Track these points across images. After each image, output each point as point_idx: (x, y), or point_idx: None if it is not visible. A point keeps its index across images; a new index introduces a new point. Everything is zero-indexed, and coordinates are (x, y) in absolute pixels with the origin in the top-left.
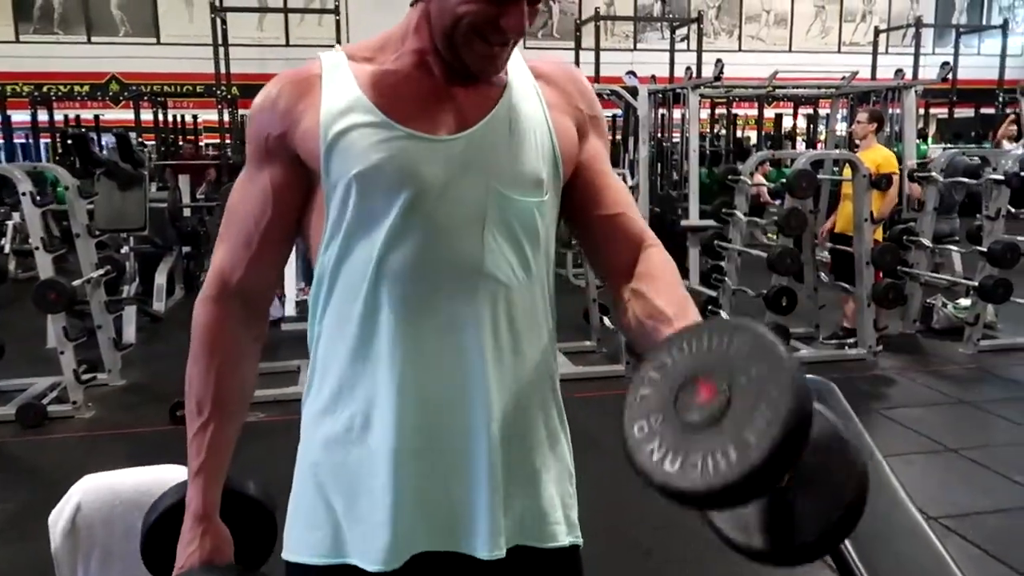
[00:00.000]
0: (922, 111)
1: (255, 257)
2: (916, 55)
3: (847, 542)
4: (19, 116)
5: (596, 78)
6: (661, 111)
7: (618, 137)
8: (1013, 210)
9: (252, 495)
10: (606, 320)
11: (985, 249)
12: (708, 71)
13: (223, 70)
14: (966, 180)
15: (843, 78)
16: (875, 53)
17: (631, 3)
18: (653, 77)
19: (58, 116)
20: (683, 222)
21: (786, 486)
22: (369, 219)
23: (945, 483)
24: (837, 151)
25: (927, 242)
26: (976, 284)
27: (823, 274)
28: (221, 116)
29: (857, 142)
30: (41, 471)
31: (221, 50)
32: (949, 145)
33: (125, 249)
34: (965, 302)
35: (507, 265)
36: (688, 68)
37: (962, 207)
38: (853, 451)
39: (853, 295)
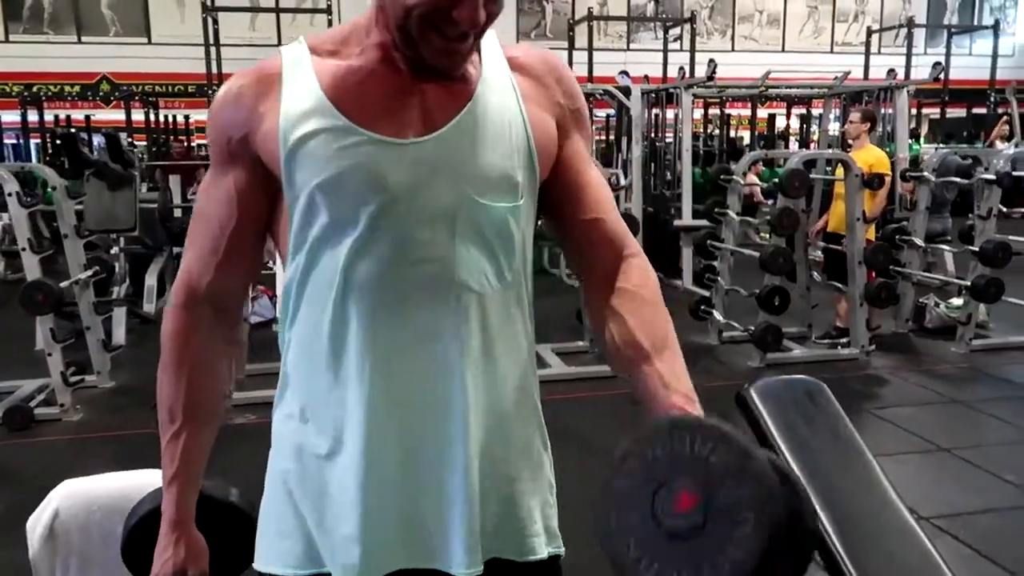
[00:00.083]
0: (914, 111)
1: (222, 263)
2: (908, 55)
3: (837, 542)
4: (9, 116)
5: (589, 78)
6: (655, 111)
7: (611, 137)
8: (1005, 209)
9: (232, 502)
10: None
11: (977, 249)
12: (701, 71)
13: (214, 70)
14: (958, 180)
15: (835, 78)
16: (867, 53)
17: (624, 3)
18: (646, 77)
19: (48, 116)
20: (676, 222)
21: None
22: (334, 229)
23: (937, 483)
24: (830, 151)
25: (919, 242)
26: (968, 283)
27: (816, 273)
28: None
29: (850, 142)
30: (28, 475)
31: (212, 50)
32: (941, 145)
33: (115, 250)
34: (957, 301)
35: (480, 273)
36: (681, 68)
37: (954, 206)
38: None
39: (846, 294)
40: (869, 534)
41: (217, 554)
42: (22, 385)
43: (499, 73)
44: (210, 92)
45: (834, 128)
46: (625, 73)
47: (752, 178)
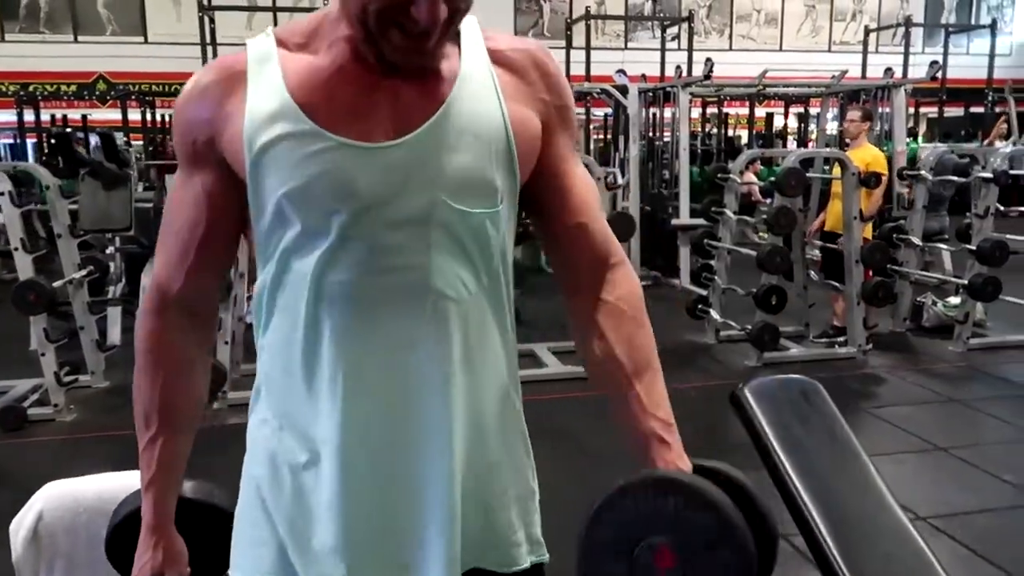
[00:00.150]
0: (912, 110)
1: (193, 268)
2: (906, 54)
3: (831, 543)
4: (5, 116)
5: (587, 77)
6: (652, 110)
7: (609, 136)
8: (1002, 208)
9: (213, 503)
10: None
11: (974, 247)
12: (699, 70)
13: None
14: (955, 178)
15: (833, 77)
16: (865, 52)
17: (622, 2)
18: (643, 76)
19: (45, 116)
20: (673, 221)
21: None
22: (304, 238)
23: (935, 482)
24: (827, 150)
25: (917, 240)
26: (965, 282)
27: (813, 272)
28: None
29: (848, 141)
30: (21, 475)
31: (209, 49)
32: (939, 144)
33: (111, 250)
34: (955, 300)
35: (457, 279)
36: (678, 67)
37: (952, 205)
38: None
39: (843, 293)
40: (863, 534)
41: (201, 555)
42: (16, 385)
43: (479, 68)
44: None
45: (832, 127)
46: (622, 72)
47: (750, 177)
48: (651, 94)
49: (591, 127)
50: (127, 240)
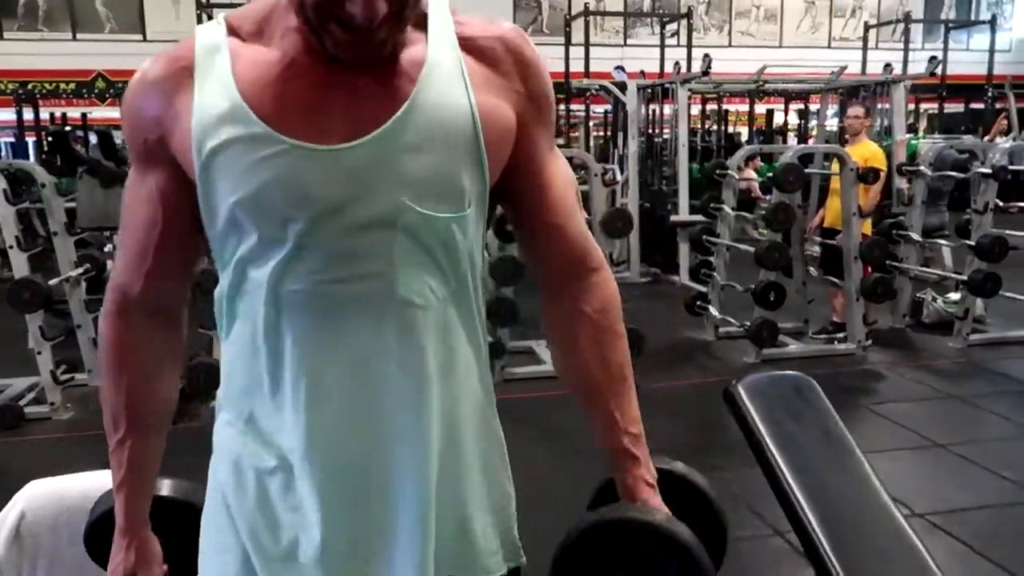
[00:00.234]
0: (912, 106)
1: (152, 270)
2: (905, 50)
3: (823, 539)
4: (5, 115)
5: (586, 74)
6: (652, 107)
7: (608, 133)
8: (1001, 204)
9: (190, 502)
10: None
11: (974, 243)
12: (698, 67)
13: None
14: (954, 174)
15: (832, 73)
16: (865, 48)
17: None
18: (642, 72)
19: (45, 114)
20: (672, 217)
21: None
22: (261, 247)
23: (933, 479)
24: (825, 145)
25: (916, 236)
26: (965, 278)
27: (812, 268)
28: None
29: (848, 137)
30: (16, 474)
31: None
32: (939, 139)
33: (108, 247)
34: (954, 296)
35: (424, 287)
36: (676, 63)
37: (952, 201)
38: None
39: (842, 290)
40: (856, 530)
41: (181, 555)
42: (12, 383)
43: (447, 58)
44: None
45: (833, 123)
46: (621, 68)
47: (750, 173)
48: (650, 90)
49: (591, 124)
50: None
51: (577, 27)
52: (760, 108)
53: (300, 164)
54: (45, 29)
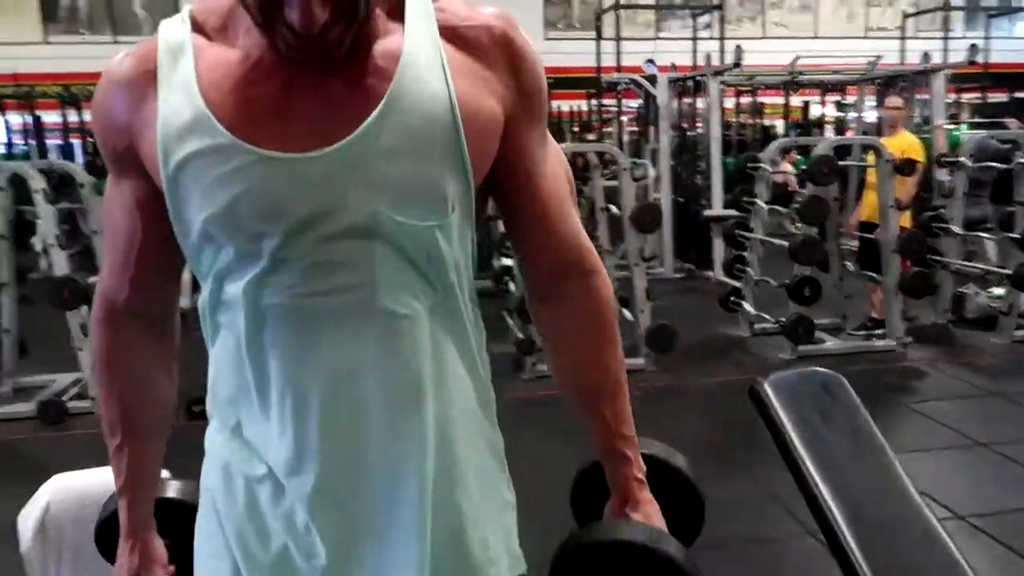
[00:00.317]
0: (953, 97)
1: (136, 278)
2: (945, 38)
3: (852, 544)
4: (51, 118)
5: (617, 68)
6: (684, 100)
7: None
8: None
9: (195, 504)
10: (626, 312)
11: (1019, 236)
12: (731, 59)
13: None
14: (996, 164)
15: (868, 63)
16: (903, 37)
17: None
18: (673, 65)
19: (88, 117)
20: (705, 212)
21: None
22: (236, 262)
23: (975, 479)
24: (860, 137)
25: (957, 229)
26: (1009, 272)
27: (849, 263)
28: None
29: (888, 130)
30: (60, 468)
31: None
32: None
33: None
34: (999, 291)
35: (407, 294)
36: (707, 55)
37: (996, 193)
38: None
39: (880, 285)
40: (887, 535)
41: (187, 555)
42: (56, 379)
43: (425, 51)
44: None
45: (872, 115)
46: (651, 62)
47: (786, 166)
48: (681, 84)
49: (624, 119)
50: None
51: (608, 21)
52: (796, 100)
53: (270, 175)
54: (86, 32)
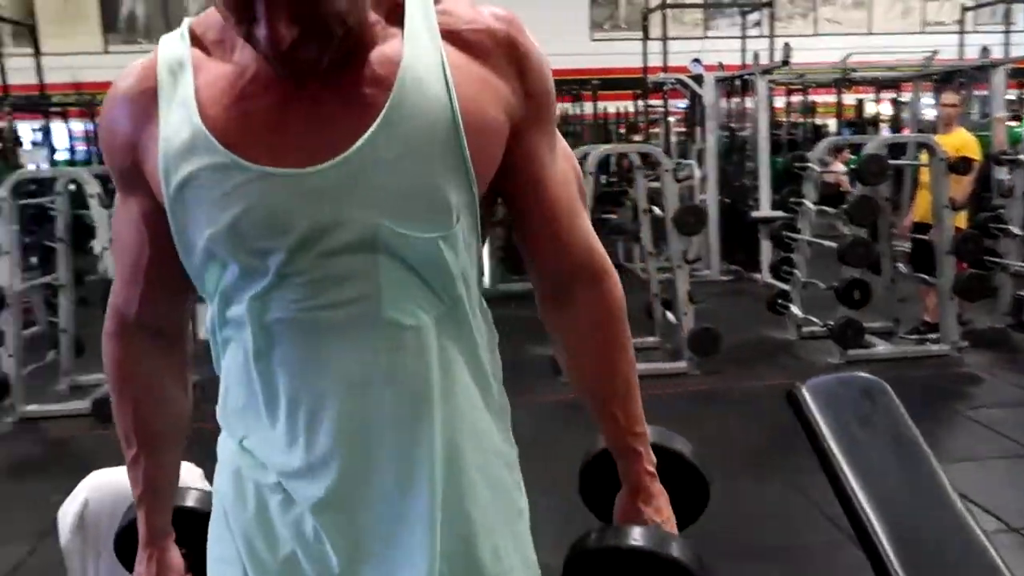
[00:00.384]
0: (1015, 92)
1: (146, 293)
2: (1007, 31)
3: (892, 556)
4: None
5: (664, 68)
6: (733, 99)
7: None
8: None
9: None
10: (669, 315)
11: None
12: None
13: None
14: None
15: (925, 58)
16: (962, 32)
17: None
18: (721, 64)
19: None
20: (753, 213)
21: None
22: (242, 279)
23: None
24: (914, 135)
25: (1016, 230)
26: None
27: (901, 265)
28: None
29: (943, 127)
30: (113, 464)
31: None
32: None
33: None
34: None
35: (413, 305)
36: (755, 53)
37: None
38: None
39: (934, 287)
40: (929, 547)
41: (204, 564)
42: None
43: (426, 56)
44: None
45: (929, 113)
46: (697, 61)
47: (838, 166)
48: (729, 83)
49: (671, 120)
50: None
51: (655, 21)
52: (849, 99)
53: (269, 192)
54: (144, 42)
